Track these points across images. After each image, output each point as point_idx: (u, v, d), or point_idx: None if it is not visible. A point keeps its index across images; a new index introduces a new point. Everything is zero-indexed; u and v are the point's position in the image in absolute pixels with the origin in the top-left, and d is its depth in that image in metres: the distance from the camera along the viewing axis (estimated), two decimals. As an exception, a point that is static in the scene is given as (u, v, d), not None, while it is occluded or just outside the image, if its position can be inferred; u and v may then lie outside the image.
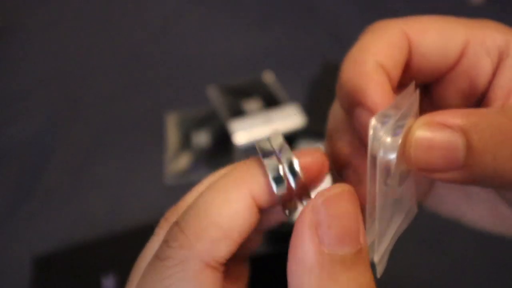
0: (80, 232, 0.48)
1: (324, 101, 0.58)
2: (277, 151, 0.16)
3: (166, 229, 0.17)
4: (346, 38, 0.70)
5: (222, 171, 0.18)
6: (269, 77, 0.64)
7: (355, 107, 0.17)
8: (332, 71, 0.59)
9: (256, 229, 0.17)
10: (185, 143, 0.56)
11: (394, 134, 0.15)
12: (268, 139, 0.16)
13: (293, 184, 0.15)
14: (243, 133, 0.56)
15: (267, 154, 0.15)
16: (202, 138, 0.57)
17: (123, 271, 0.41)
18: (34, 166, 0.56)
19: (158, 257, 0.15)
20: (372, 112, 0.16)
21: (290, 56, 0.68)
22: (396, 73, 0.18)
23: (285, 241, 0.14)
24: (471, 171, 0.15)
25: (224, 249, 0.15)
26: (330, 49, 0.69)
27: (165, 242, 0.15)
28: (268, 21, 0.76)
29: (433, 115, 0.15)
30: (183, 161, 0.54)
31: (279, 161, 0.15)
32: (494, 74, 0.19)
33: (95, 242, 0.45)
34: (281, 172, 0.15)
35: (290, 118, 0.57)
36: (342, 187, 0.14)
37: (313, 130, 0.51)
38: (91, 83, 0.67)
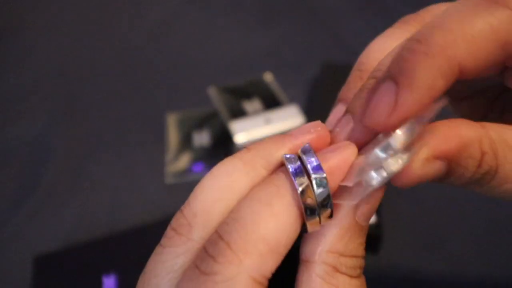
0: (81, 231, 0.48)
1: (324, 101, 0.58)
2: (308, 168, 0.16)
3: (177, 240, 0.16)
4: (346, 38, 0.70)
5: (225, 167, 0.17)
6: (269, 78, 0.64)
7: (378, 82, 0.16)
8: (332, 71, 0.59)
9: None
10: (186, 143, 0.56)
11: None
12: (300, 156, 0.16)
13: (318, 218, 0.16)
14: (244, 133, 0.56)
15: (297, 173, 0.16)
16: (202, 138, 0.57)
17: (125, 270, 0.42)
18: (35, 166, 0.56)
19: (203, 271, 0.14)
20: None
21: (290, 57, 0.69)
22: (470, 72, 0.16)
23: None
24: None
25: (271, 263, 0.15)
26: (330, 49, 0.69)
27: (211, 257, 0.15)
28: (268, 21, 0.76)
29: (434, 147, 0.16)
30: (183, 161, 0.54)
31: (310, 183, 0.15)
32: None
33: (96, 241, 0.45)
34: (312, 201, 0.15)
35: (290, 118, 0.58)
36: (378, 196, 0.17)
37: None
38: (92, 83, 0.68)
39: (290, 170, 0.15)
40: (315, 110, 0.57)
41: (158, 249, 0.17)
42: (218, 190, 0.16)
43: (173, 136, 0.57)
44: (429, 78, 0.14)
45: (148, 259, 0.17)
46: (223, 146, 0.56)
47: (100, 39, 0.75)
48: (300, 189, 0.15)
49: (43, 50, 0.75)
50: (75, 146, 0.58)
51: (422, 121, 0.15)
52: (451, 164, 0.16)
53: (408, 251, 0.43)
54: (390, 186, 0.23)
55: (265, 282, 0.15)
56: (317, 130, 0.18)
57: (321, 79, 0.60)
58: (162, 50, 0.72)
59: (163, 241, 0.17)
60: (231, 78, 0.65)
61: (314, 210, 0.15)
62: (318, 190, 0.15)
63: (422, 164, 0.15)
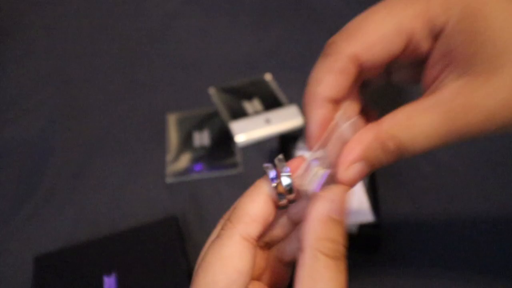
0: (82, 231, 0.48)
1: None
2: (279, 170, 0.25)
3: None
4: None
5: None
6: (269, 78, 0.64)
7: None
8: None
9: (281, 222, 0.28)
10: (186, 142, 0.56)
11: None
12: (274, 164, 0.25)
13: (286, 199, 0.26)
14: (244, 133, 0.56)
15: (272, 177, 0.25)
16: (202, 138, 0.57)
17: (126, 269, 0.42)
18: (36, 166, 0.56)
19: (217, 236, 0.25)
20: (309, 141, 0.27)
21: (290, 57, 0.69)
22: (344, 93, 0.26)
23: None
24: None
25: (253, 228, 0.25)
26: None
27: (222, 228, 0.25)
28: (269, 21, 0.76)
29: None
30: (183, 161, 0.54)
31: (279, 180, 0.25)
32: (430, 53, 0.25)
33: (97, 240, 0.45)
34: (281, 189, 0.25)
35: (290, 119, 0.58)
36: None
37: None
38: (92, 83, 0.68)
39: (270, 176, 0.25)
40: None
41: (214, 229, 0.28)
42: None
43: (173, 136, 0.57)
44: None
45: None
46: (223, 146, 0.56)
47: (100, 39, 0.76)
48: (274, 184, 0.25)
49: (43, 50, 0.75)
50: (75, 146, 0.58)
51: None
52: (368, 161, 0.24)
53: (408, 251, 0.43)
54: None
55: (253, 241, 0.25)
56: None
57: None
58: (162, 50, 0.72)
59: (218, 226, 0.28)
60: (231, 78, 0.65)
61: (282, 195, 0.25)
62: (284, 183, 0.25)
63: (346, 171, 0.24)
